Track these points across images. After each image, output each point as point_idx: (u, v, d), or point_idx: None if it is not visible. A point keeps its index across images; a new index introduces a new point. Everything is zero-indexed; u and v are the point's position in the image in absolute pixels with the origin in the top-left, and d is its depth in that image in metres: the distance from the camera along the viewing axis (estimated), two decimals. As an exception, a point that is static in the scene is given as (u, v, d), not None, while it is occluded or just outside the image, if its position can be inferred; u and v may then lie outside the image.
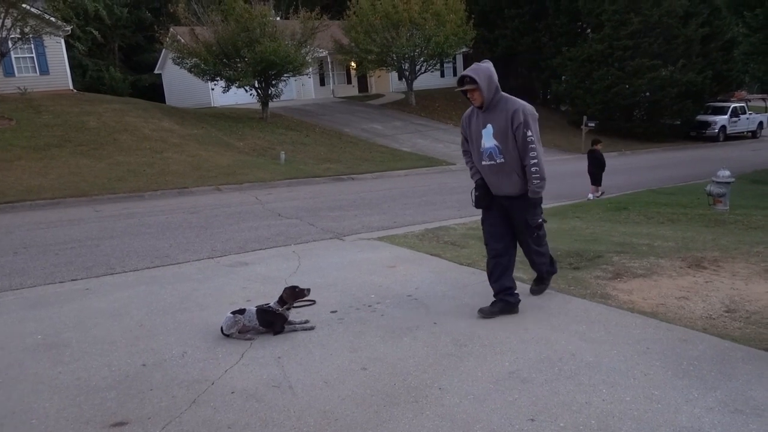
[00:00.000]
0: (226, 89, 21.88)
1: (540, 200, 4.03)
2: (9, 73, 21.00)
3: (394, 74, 31.04)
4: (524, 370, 3.31)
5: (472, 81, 3.85)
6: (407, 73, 27.23)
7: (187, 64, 21.28)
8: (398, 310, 4.42)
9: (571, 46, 27.30)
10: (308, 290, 4.17)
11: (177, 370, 3.47)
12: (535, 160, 3.86)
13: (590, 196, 11.48)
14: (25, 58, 21.78)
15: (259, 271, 5.74)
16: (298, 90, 29.66)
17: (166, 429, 2.83)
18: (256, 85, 21.65)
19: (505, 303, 4.18)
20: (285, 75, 21.85)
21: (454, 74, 36.02)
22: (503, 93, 3.97)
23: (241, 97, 23.39)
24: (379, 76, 31.73)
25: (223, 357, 3.64)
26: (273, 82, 21.84)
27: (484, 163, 4.05)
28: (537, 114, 3.95)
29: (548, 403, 2.92)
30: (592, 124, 22.78)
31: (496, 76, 3.92)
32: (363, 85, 33.84)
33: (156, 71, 32.24)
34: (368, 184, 14.34)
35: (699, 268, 5.25)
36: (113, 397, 3.16)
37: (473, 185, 4.26)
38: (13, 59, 21.08)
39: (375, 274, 5.46)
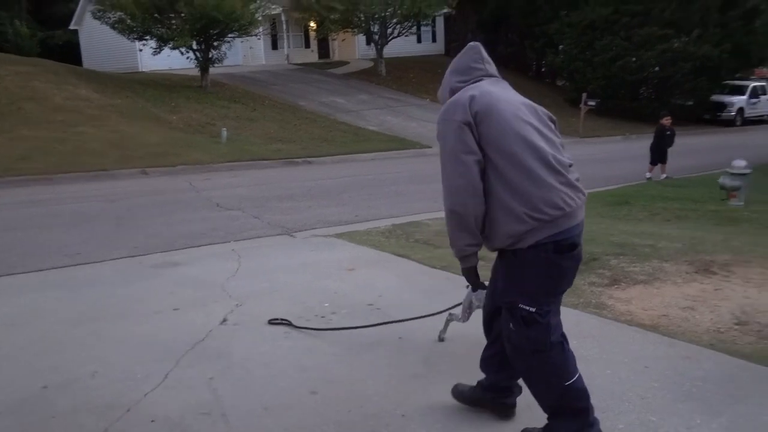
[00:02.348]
0: (158, 51, 21.47)
1: (463, 269, 2.85)
2: None
3: (362, 38, 30.95)
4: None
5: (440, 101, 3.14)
6: (377, 36, 27.18)
7: (109, 18, 20.82)
8: (356, 321, 4.41)
9: (571, 9, 27.62)
10: None
11: (86, 393, 3.41)
12: (444, 195, 2.70)
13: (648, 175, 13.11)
14: None
15: (191, 274, 5.68)
16: (246, 54, 29.31)
17: (70, 466, 2.77)
18: (195, 47, 21.32)
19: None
20: (230, 35, 21.58)
21: (434, 40, 36.12)
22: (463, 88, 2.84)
23: (175, 60, 22.98)
24: (343, 40, 31.58)
25: (142, 377, 3.58)
26: (215, 44, 21.54)
27: None
28: (453, 113, 2.69)
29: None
30: (593, 103, 23.17)
31: (453, 74, 2.93)
32: (324, 50, 33.65)
33: (71, 27, 31.43)
34: (327, 169, 14.30)
35: (708, 274, 5.39)
36: (5, 427, 3.08)
37: None
38: None
39: (331, 279, 5.45)
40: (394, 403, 3.28)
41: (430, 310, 4.59)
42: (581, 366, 2.78)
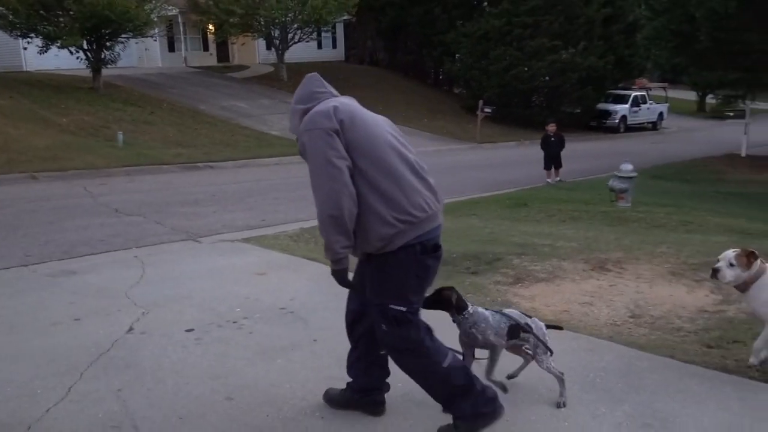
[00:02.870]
0: (44, 50, 20.25)
1: (336, 272, 2.89)
2: None
3: (262, 42, 30.53)
4: (417, 391, 3.38)
5: (293, 133, 3.05)
6: (278, 41, 26.89)
7: (-11, 14, 19.46)
8: (270, 326, 4.36)
9: (466, 20, 28.44)
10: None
11: (-21, 412, 3.17)
12: (317, 210, 2.76)
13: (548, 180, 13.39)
14: None
15: (92, 282, 5.40)
16: (140, 55, 28.21)
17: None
18: (85, 47, 20.28)
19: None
20: (123, 36, 20.68)
21: (334, 46, 36.20)
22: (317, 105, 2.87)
23: (64, 60, 21.75)
24: (243, 44, 31.01)
25: (42, 392, 3.37)
26: (107, 44, 20.57)
27: None
28: (329, 118, 2.73)
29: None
30: (489, 110, 23.94)
31: (297, 103, 2.93)
32: (223, 54, 32.92)
33: (-55, 22, 29.15)
34: (230, 174, 14.03)
35: (603, 271, 5.70)
36: None
37: None
38: None
39: (240, 284, 5.35)
40: (313, 405, 3.26)
41: (342, 313, 4.58)
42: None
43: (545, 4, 26.42)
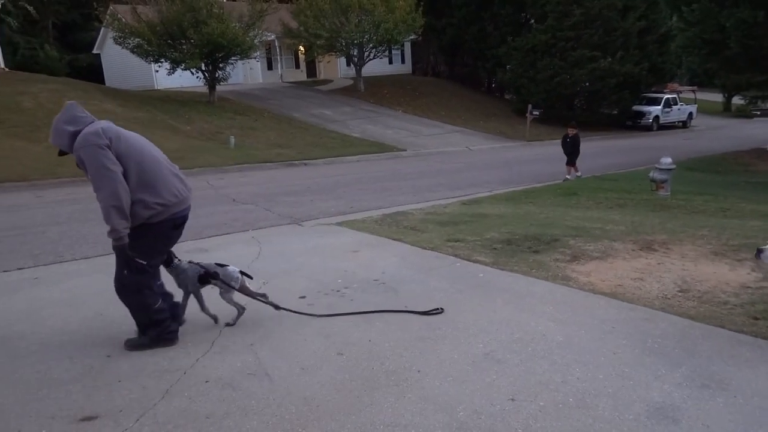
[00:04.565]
0: (172, 71, 21.05)
1: (117, 246, 3.22)
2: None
3: (343, 60, 30.73)
4: (498, 351, 3.34)
5: (57, 146, 3.28)
6: (356, 59, 26.98)
7: (129, 44, 20.32)
8: (367, 294, 4.38)
9: (515, 36, 27.73)
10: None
11: (145, 359, 3.33)
12: (100, 204, 3.15)
13: (568, 176, 12.33)
14: (-50, 33, 20.25)
15: (221, 257, 5.50)
16: (246, 74, 28.87)
17: (140, 421, 2.70)
18: (203, 68, 20.94)
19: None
20: (232, 58, 21.23)
21: (402, 61, 36.04)
22: (85, 128, 3.20)
23: (186, 79, 22.55)
24: (328, 62, 31.30)
25: (192, 345, 3.51)
26: (220, 65, 21.17)
27: None
28: (100, 137, 3.13)
29: (526, 383, 2.96)
30: (537, 113, 23.33)
31: (65, 124, 3.19)
32: (312, 70, 33.30)
33: (95, 51, 30.63)
34: (321, 169, 14.17)
35: (650, 251, 5.45)
36: (79, 390, 2.99)
37: None
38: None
39: (339, 259, 5.39)
40: (409, 360, 3.26)
41: (426, 284, 4.58)
42: (559, 327, 2.80)
43: (586, 19, 25.40)
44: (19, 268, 5.41)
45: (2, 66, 21.34)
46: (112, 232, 3.17)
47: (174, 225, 3.44)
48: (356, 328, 3.74)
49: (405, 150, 17.79)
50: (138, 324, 3.53)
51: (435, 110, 25.89)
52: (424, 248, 5.71)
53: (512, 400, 2.80)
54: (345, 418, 2.68)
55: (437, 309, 3.99)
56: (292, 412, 2.75)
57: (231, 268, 3.81)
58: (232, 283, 3.76)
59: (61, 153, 3.32)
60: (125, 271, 3.33)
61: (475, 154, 18.49)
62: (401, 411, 2.73)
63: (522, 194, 9.73)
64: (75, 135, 3.18)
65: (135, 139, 3.37)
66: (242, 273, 3.85)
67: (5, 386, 3.04)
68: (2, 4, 20.40)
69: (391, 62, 34.55)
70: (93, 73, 30.12)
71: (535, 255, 5.39)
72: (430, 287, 4.49)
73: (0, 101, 16.17)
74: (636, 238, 5.92)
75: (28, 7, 24.28)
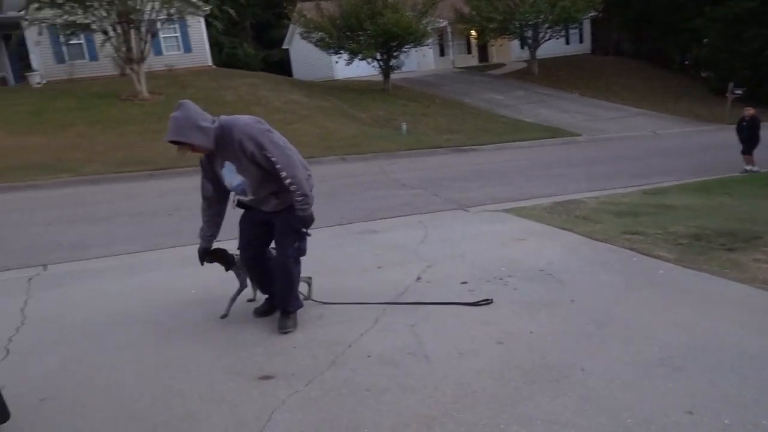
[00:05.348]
0: (350, 62, 22.22)
1: (307, 219, 3.43)
2: (158, 52, 22.78)
3: (516, 43, 29.81)
4: (677, 357, 3.01)
5: (183, 143, 3.31)
6: (530, 40, 26.02)
7: (313, 38, 21.86)
8: (531, 284, 4.22)
9: (715, 5, 24.49)
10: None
11: (316, 330, 3.57)
12: (289, 180, 3.27)
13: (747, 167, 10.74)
14: (171, 37, 23.52)
15: (389, 239, 5.76)
16: (418, 61, 29.42)
17: (309, 386, 2.91)
18: (378, 58, 21.78)
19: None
20: (406, 46, 21.77)
21: (581, 41, 33.92)
22: (220, 120, 3.36)
23: (362, 69, 23.66)
24: (500, 45, 30.60)
25: (357, 321, 3.68)
26: (394, 54, 21.85)
27: (240, 198, 3.62)
28: (262, 124, 3.32)
29: (708, 397, 2.63)
30: (739, 92, 20.45)
31: (196, 118, 3.29)
32: (483, 55, 32.85)
33: (284, 46, 33.49)
34: (490, 155, 13.98)
35: None
36: (260, 353, 3.31)
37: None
38: (161, 39, 22.85)
39: (503, 247, 5.28)
40: (572, 357, 3.08)
41: (597, 278, 4.29)
42: (757, 338, 2.40)
43: (809, -20, 21.62)
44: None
45: (210, 64, 24.30)
46: (309, 198, 3.36)
47: None
48: (518, 317, 3.64)
49: (580, 135, 16.81)
50: (282, 304, 3.64)
51: (616, 92, 24.02)
52: (597, 240, 5.35)
53: (690, 413, 2.51)
54: (501, 408, 2.63)
55: (487, 299, 3.86)
56: (447, 394, 2.76)
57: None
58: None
59: (180, 148, 3.36)
60: (296, 243, 3.54)
61: (663, 138, 16.82)
62: (560, 408, 2.60)
63: (716, 184, 8.63)
64: (206, 129, 3.27)
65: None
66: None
67: (202, 343, 3.48)
68: (210, 9, 23.11)
69: (568, 42, 32.70)
70: (283, 67, 33.01)
71: (729, 253, 4.75)
72: (600, 281, 4.20)
73: (209, 95, 18.45)
74: None
75: (230, 11, 27.25)
